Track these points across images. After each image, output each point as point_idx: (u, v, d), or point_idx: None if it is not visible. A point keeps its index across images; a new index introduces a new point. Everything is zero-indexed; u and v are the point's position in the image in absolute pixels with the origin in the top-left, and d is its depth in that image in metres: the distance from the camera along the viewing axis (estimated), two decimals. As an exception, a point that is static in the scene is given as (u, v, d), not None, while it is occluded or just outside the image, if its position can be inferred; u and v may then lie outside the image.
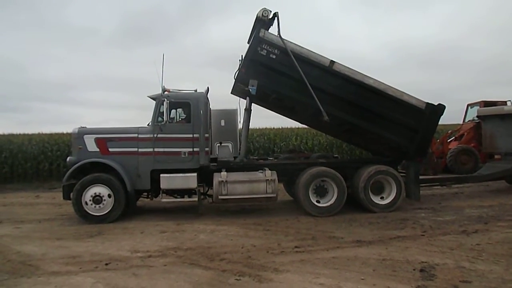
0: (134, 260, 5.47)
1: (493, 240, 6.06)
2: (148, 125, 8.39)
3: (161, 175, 8.06)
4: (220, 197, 8.10)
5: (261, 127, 20.03)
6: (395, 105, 8.42)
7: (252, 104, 8.72)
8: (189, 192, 8.42)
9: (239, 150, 9.20)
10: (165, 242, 6.39)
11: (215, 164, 8.67)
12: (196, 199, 8.36)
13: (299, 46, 8.18)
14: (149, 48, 51.84)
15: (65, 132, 17.36)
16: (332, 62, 8.20)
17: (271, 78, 8.10)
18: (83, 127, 8.54)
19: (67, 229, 7.56)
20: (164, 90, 8.32)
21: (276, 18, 7.99)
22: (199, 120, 8.29)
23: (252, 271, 4.89)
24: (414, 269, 4.80)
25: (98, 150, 8.22)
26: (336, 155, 11.57)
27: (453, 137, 16.54)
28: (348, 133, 9.67)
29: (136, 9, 55.08)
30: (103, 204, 7.92)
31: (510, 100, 15.10)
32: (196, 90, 8.71)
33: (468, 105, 16.65)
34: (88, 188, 7.90)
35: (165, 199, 8.37)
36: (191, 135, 8.26)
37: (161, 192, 8.24)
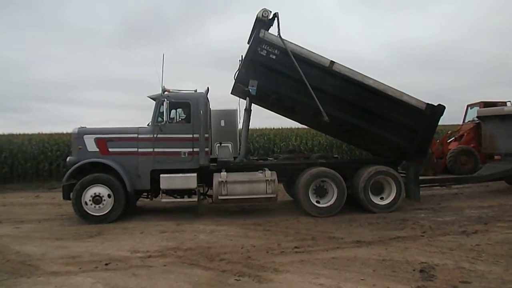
0: (133, 260, 5.46)
1: (492, 240, 6.06)
2: (148, 125, 8.39)
3: (161, 175, 8.06)
4: (220, 197, 8.09)
5: (261, 128, 20.07)
6: (395, 106, 8.42)
7: (252, 104, 8.73)
8: (189, 192, 8.42)
9: (239, 150, 9.20)
10: (165, 242, 6.39)
11: (215, 164, 8.67)
12: (196, 199, 8.36)
13: (299, 46, 8.19)
14: (149, 48, 51.87)
15: (65, 132, 17.38)
16: (332, 62, 8.21)
17: (271, 79, 8.11)
18: (83, 127, 8.54)
19: (67, 229, 7.57)
20: (164, 90, 8.32)
21: (276, 18, 7.99)
22: (199, 120, 8.29)
23: (252, 271, 4.89)
24: (413, 270, 4.80)
25: (98, 150, 8.22)
26: (336, 156, 11.59)
27: (453, 138, 16.55)
28: (348, 133, 9.68)
29: (136, 9, 55.12)
30: (103, 204, 7.92)
31: (510, 101, 15.10)
32: (196, 90, 8.71)
33: (468, 106, 16.66)
34: (88, 188, 7.89)
35: (165, 199, 8.37)
36: (191, 135, 8.26)
37: (161, 192, 8.24)
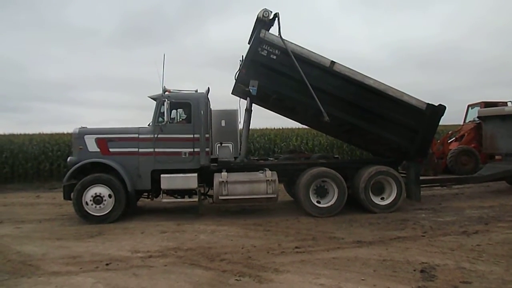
0: (134, 260, 5.47)
1: (493, 241, 6.06)
2: (148, 125, 8.39)
3: (162, 175, 8.07)
4: (220, 197, 8.10)
5: (261, 128, 20.09)
6: (395, 106, 8.42)
7: (253, 104, 8.73)
8: (189, 192, 8.43)
9: (240, 150, 9.20)
10: (166, 243, 6.39)
11: (216, 164, 8.67)
12: (196, 199, 8.36)
13: (300, 46, 8.19)
14: (149, 48, 51.86)
15: (65, 132, 17.39)
16: (333, 62, 8.21)
17: (271, 79, 8.11)
18: (83, 127, 8.55)
19: (68, 229, 7.57)
20: (164, 90, 8.32)
21: (276, 18, 7.99)
22: (200, 120, 8.29)
23: (252, 271, 4.89)
24: (414, 270, 4.80)
25: (98, 150, 8.23)
26: (337, 156, 11.58)
27: (454, 138, 16.54)
28: (348, 133, 9.68)
29: (136, 9, 55.10)
30: (104, 204, 7.93)
31: (510, 101, 15.07)
32: (196, 91, 8.72)
33: (468, 106, 16.65)
34: (88, 188, 7.90)
35: (166, 200, 8.38)
36: (191, 136, 8.27)
37: (161, 192, 8.25)
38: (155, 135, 8.18)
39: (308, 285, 4.43)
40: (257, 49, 8.01)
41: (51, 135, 18.03)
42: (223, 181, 8.07)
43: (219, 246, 6.09)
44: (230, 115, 9.69)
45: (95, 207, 7.90)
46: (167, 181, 8.04)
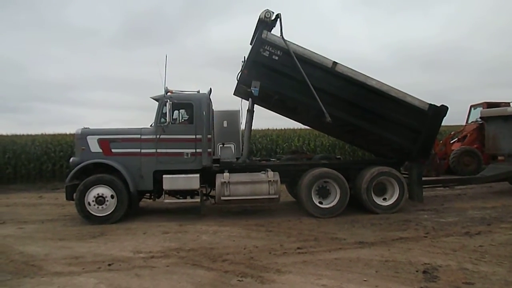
0: (136, 261, 5.48)
1: (496, 241, 6.04)
2: (150, 126, 8.41)
3: (164, 176, 8.08)
4: (222, 198, 8.10)
5: (263, 128, 20.13)
6: (397, 106, 8.41)
7: (255, 105, 8.74)
8: (191, 193, 8.43)
9: (242, 151, 9.21)
10: (168, 243, 6.40)
11: (218, 165, 8.68)
12: (198, 200, 8.37)
13: (302, 47, 8.19)
14: (150, 48, 52.05)
15: (68, 132, 17.46)
16: (335, 63, 8.21)
17: (273, 79, 8.11)
18: (86, 128, 8.57)
19: (70, 229, 7.59)
20: (166, 91, 8.34)
21: (278, 19, 8.00)
22: (202, 121, 8.30)
23: (255, 272, 4.90)
24: (417, 271, 4.79)
25: (101, 151, 8.24)
26: (339, 156, 11.54)
27: (456, 138, 16.48)
28: (350, 134, 9.67)
29: (137, 10, 55.32)
30: (106, 204, 7.94)
31: (513, 101, 15.04)
32: (198, 91, 8.72)
33: (471, 106, 16.60)
34: (91, 189, 7.92)
35: (168, 200, 8.39)
36: (193, 136, 8.28)
37: (163, 193, 8.26)
38: (157, 136, 8.19)
39: (310, 285, 4.43)
40: (259, 50, 8.01)
41: (54, 135, 18.09)
42: (225, 182, 8.07)
43: (221, 247, 6.10)
44: (232, 116, 9.69)
45: (98, 207, 7.92)
46: (169, 181, 8.05)
